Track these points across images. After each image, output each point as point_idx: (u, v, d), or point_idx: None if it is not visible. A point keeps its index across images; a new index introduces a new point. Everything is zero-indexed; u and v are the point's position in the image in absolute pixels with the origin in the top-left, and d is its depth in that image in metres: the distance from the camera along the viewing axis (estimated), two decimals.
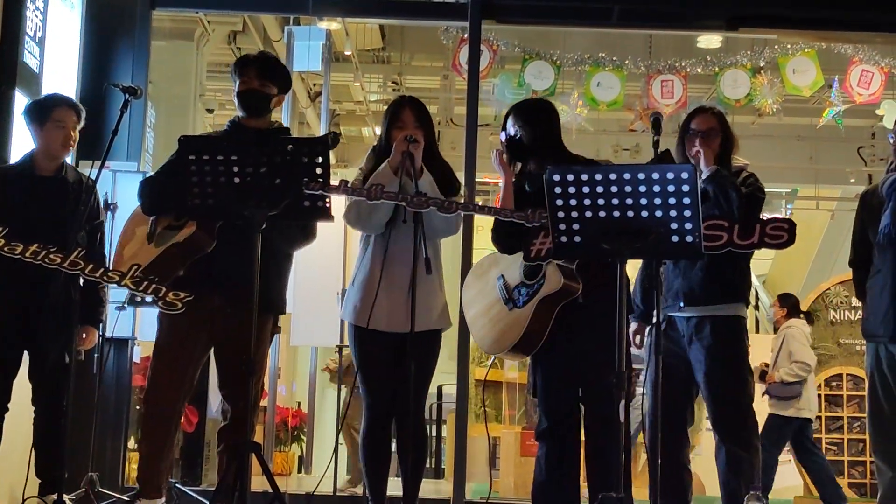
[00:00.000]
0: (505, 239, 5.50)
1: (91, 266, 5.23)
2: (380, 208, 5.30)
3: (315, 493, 7.33)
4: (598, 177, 4.82)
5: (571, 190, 4.86)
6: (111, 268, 5.53)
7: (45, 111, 5.99)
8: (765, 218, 5.43)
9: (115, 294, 7.01)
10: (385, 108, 5.80)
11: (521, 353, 5.57)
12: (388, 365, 5.42)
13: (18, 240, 5.12)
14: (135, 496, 5.61)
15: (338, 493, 7.44)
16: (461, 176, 7.12)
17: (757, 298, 18.09)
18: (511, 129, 5.66)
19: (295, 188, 5.07)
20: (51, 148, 5.94)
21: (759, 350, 13.98)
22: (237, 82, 5.68)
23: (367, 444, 5.59)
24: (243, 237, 5.22)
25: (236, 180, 5.11)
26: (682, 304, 5.63)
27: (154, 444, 5.62)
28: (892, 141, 5.84)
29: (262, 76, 5.66)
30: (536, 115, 5.73)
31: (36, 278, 5.53)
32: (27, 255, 5.14)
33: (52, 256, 5.16)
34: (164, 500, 5.63)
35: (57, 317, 5.72)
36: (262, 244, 5.04)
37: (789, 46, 10.31)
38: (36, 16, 6.91)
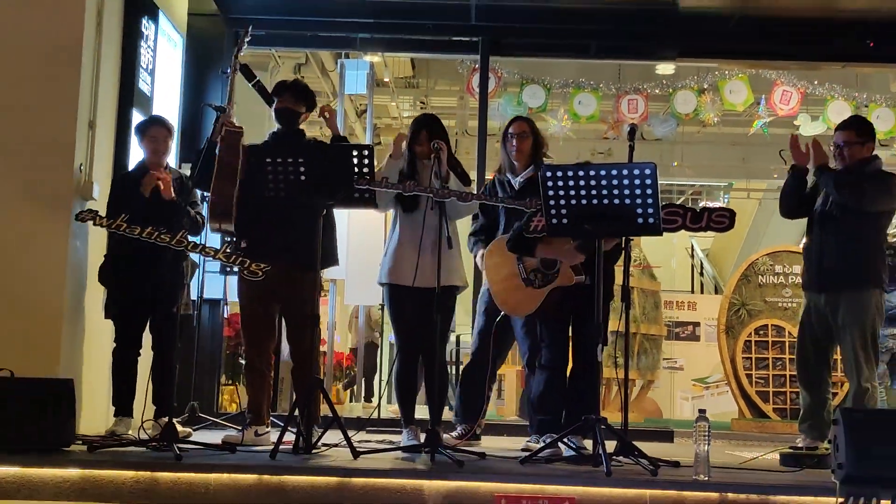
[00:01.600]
0: (515, 247, 5.49)
1: (192, 243, 5.26)
2: (383, 195, 5.38)
3: (362, 417, 7.38)
4: (581, 173, 4.84)
5: (560, 183, 4.87)
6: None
7: (143, 129, 6.09)
8: (711, 206, 5.45)
9: (213, 265, 7.08)
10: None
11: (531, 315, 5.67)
12: (414, 316, 5.44)
13: (140, 224, 5.16)
14: (247, 424, 5.68)
15: (381, 417, 7.45)
16: (474, 174, 7.13)
17: (702, 267, 18.07)
18: None
19: (348, 183, 5.11)
20: (148, 155, 5.99)
21: (706, 306, 14.00)
22: (275, 101, 5.78)
23: (399, 377, 5.62)
24: (296, 218, 5.28)
25: (302, 178, 5.12)
26: None
27: (255, 386, 5.74)
28: (831, 148, 5.81)
29: (296, 98, 5.75)
30: None
31: (153, 256, 5.56)
32: (143, 235, 5.16)
33: (162, 237, 5.17)
34: (268, 428, 5.68)
35: (168, 283, 5.75)
36: (309, 218, 5.14)
37: (727, 72, 10.27)
38: (147, 52, 6.91)
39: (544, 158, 6.01)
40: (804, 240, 5.94)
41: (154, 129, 6.04)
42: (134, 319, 5.89)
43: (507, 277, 5.58)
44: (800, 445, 5.72)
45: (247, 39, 5.88)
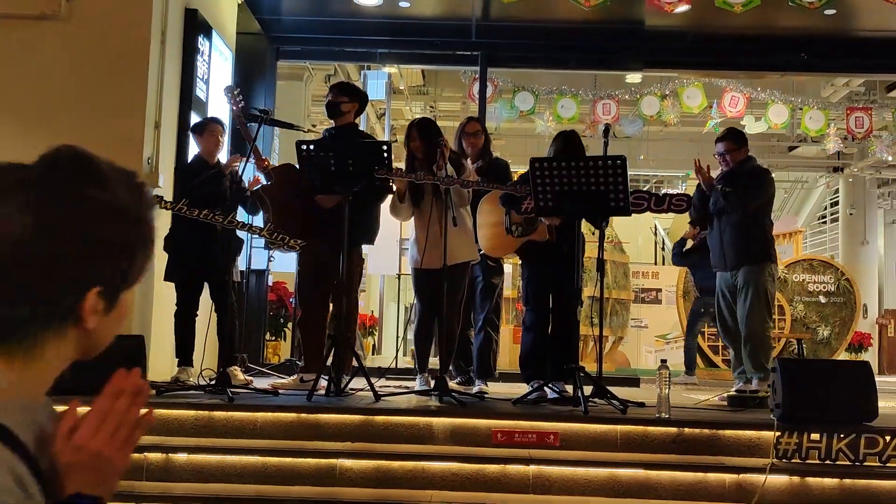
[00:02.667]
0: (506, 202, 5.46)
1: (240, 223, 5.26)
2: (401, 210, 5.43)
3: (382, 367, 7.40)
4: (564, 164, 4.82)
5: (546, 173, 4.86)
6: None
7: (202, 127, 6.02)
8: (671, 193, 5.47)
9: (259, 241, 7.06)
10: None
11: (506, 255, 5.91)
12: (430, 288, 5.41)
13: (197, 206, 5.16)
14: (301, 370, 5.67)
15: (398, 367, 7.47)
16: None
17: (664, 243, 18.03)
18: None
19: (369, 173, 5.08)
20: (208, 149, 5.95)
21: (666, 275, 13.98)
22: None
23: (418, 333, 5.61)
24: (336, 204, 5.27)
25: (332, 168, 5.11)
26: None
27: (310, 341, 5.66)
28: (716, 156, 5.91)
29: (336, 93, 5.73)
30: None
31: (206, 235, 5.55)
32: (201, 216, 5.17)
33: (216, 217, 5.18)
34: (313, 375, 5.61)
35: (223, 256, 5.73)
36: (352, 207, 5.07)
37: (685, 80, 10.24)
38: (203, 64, 6.89)
39: (494, 153, 6.08)
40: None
41: (213, 125, 5.99)
42: (191, 287, 5.88)
43: (494, 224, 5.61)
44: (743, 389, 5.74)
45: (239, 100, 5.78)
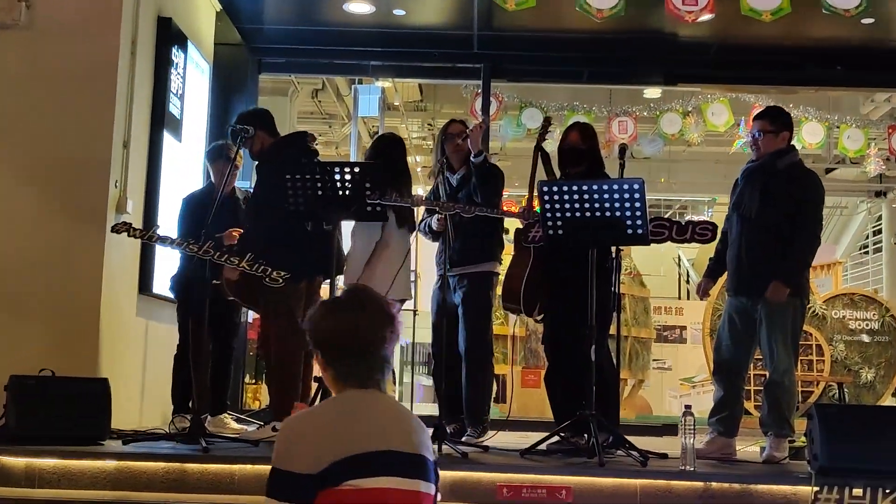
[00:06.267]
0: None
1: (218, 253, 5.17)
2: None
3: None
4: (575, 188, 4.84)
5: (556, 197, 4.88)
6: None
7: (225, 153, 6.14)
8: (696, 220, 5.46)
9: None
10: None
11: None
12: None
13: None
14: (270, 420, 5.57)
15: None
16: None
17: (688, 275, 18.04)
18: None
19: (360, 199, 5.09)
20: (229, 181, 5.95)
21: (691, 311, 13.97)
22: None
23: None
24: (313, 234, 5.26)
25: (319, 193, 5.11)
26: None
27: (284, 384, 5.50)
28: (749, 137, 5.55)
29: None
30: None
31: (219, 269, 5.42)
32: (174, 245, 5.18)
33: (191, 246, 5.13)
34: None
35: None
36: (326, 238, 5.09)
37: (709, 96, 10.31)
38: (177, 78, 6.93)
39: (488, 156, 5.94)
40: None
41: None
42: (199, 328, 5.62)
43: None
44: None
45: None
